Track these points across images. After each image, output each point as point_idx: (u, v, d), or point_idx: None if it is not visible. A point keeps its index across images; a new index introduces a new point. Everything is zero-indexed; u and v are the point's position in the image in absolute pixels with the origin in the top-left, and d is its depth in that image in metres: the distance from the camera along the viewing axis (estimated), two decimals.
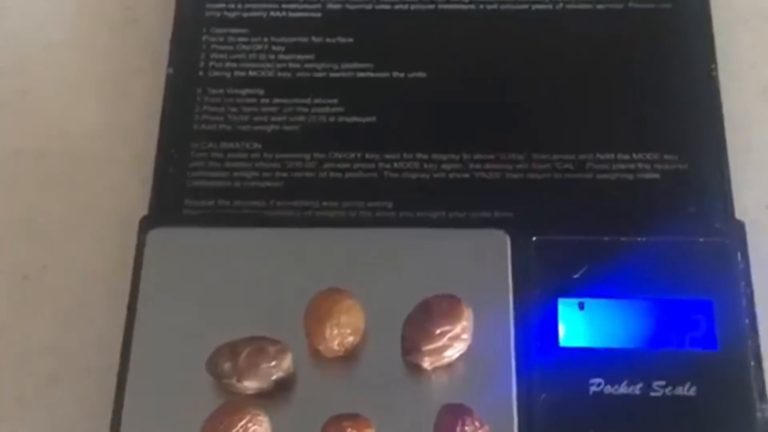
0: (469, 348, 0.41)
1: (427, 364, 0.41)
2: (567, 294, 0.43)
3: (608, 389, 0.41)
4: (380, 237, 0.45)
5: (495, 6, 0.51)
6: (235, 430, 0.39)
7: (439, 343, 0.41)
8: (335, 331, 0.41)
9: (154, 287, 0.43)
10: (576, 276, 0.43)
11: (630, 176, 0.47)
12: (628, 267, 0.43)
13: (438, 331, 0.41)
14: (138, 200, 0.48)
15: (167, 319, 0.43)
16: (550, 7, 0.50)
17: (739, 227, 0.44)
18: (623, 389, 0.41)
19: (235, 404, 0.40)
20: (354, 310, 0.41)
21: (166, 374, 0.42)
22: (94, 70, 0.52)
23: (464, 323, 0.41)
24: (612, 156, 0.47)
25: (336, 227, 0.45)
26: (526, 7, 0.51)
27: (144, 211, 0.47)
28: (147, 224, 0.45)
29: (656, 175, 0.46)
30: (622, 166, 0.47)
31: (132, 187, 0.48)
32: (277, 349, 0.41)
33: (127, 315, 0.43)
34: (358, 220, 0.46)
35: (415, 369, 0.41)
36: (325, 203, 0.47)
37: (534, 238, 0.44)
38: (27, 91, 0.51)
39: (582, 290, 0.43)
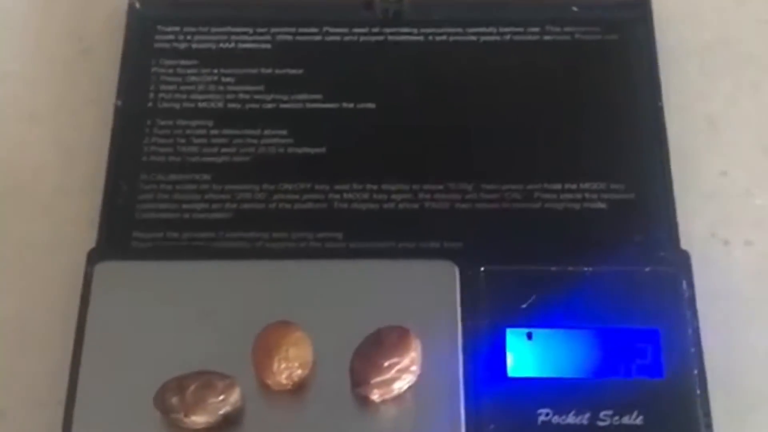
0: (418, 379, 0.41)
1: (376, 396, 0.41)
2: (515, 324, 0.43)
3: (556, 419, 0.41)
4: (330, 269, 0.45)
5: (444, 37, 0.51)
6: None
7: (388, 376, 0.41)
8: (283, 365, 0.41)
9: (101, 321, 0.43)
10: (524, 306, 0.43)
11: (577, 206, 0.47)
12: (576, 296, 0.44)
13: (386, 364, 0.41)
14: (87, 233, 0.47)
15: (115, 353, 0.42)
16: (498, 38, 0.51)
17: (685, 257, 0.45)
18: (571, 419, 0.41)
19: None
20: (302, 342, 0.41)
21: (114, 409, 0.41)
22: (46, 102, 0.52)
23: (413, 355, 0.41)
24: (560, 186, 0.47)
25: (286, 259, 0.45)
26: (474, 38, 0.51)
27: (93, 243, 0.46)
28: (94, 257, 0.45)
29: (603, 205, 0.47)
30: (570, 196, 0.47)
31: (81, 220, 0.48)
32: (226, 383, 0.40)
33: (74, 348, 0.43)
34: (307, 252, 0.46)
35: (364, 401, 0.41)
36: (275, 234, 0.47)
37: (482, 269, 0.44)
38: None
39: (530, 320, 0.43)
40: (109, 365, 0.42)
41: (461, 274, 0.44)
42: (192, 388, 0.40)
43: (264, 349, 0.41)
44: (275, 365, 0.41)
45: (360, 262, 0.45)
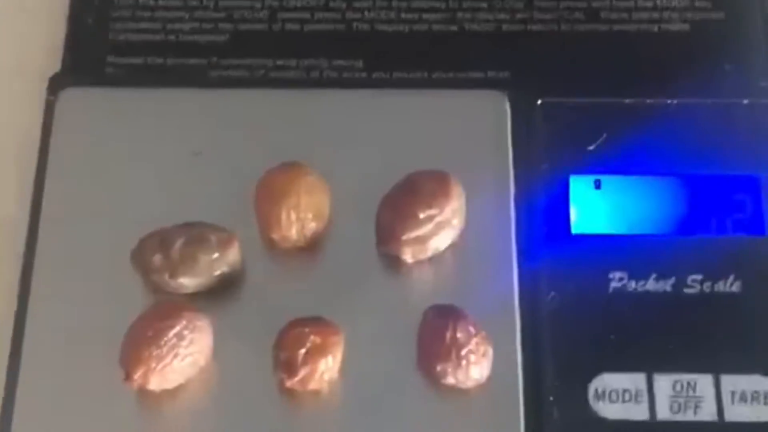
0: (461, 236, 0.33)
1: (408, 256, 0.33)
2: (580, 170, 0.35)
3: (632, 285, 0.34)
4: (350, 100, 0.37)
5: None
6: (166, 338, 0.31)
7: (424, 230, 0.33)
8: (293, 216, 0.33)
9: (65, 159, 0.35)
10: (591, 147, 0.36)
11: (654, 27, 0.39)
12: (655, 136, 0.35)
13: (422, 215, 0.33)
14: (50, 58, 0.39)
15: (82, 199, 0.35)
16: None
17: None
18: (651, 285, 0.34)
19: (167, 307, 0.32)
20: (317, 189, 0.33)
21: (81, 269, 0.34)
22: None
23: (454, 205, 0.33)
24: (632, 3, 0.39)
25: (293, 88, 0.37)
26: None
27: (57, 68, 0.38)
28: (58, 83, 0.37)
29: (685, 26, 0.39)
30: (645, 15, 0.39)
31: (43, 43, 0.40)
32: (221, 237, 0.33)
33: (34, 192, 0.35)
34: (321, 83, 0.38)
35: (394, 263, 0.33)
36: (280, 62, 0.39)
37: (539, 101, 0.37)
38: None
39: (599, 165, 0.35)
40: (75, 213, 0.34)
41: (513, 107, 0.36)
42: (179, 243, 0.32)
43: (269, 196, 0.33)
44: (283, 216, 0.33)
45: (388, 92, 0.37)
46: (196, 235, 0.32)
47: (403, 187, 0.33)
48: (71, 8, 0.39)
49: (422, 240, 0.33)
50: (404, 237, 0.33)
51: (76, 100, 0.36)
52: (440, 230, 0.33)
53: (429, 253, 0.33)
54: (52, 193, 0.35)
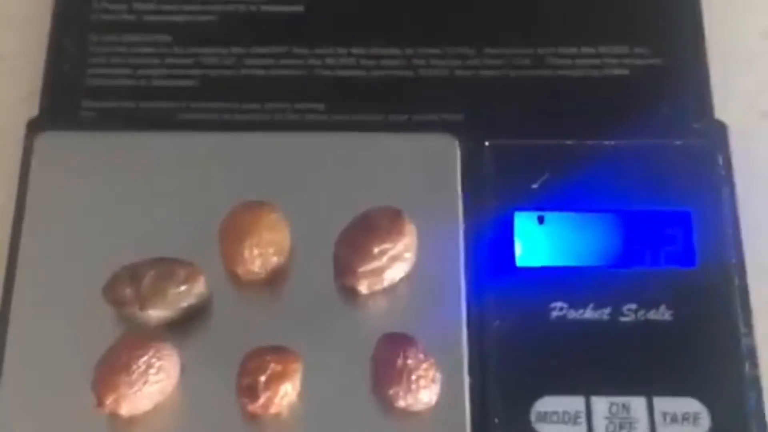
0: (413, 269, 0.36)
1: (364, 287, 0.35)
2: (525, 206, 0.38)
3: (572, 314, 0.36)
4: (310, 142, 0.39)
5: None
6: (135, 366, 0.33)
7: (378, 264, 0.35)
8: (255, 251, 0.35)
9: (43, 200, 0.37)
10: (535, 186, 0.38)
11: (595, 72, 0.41)
12: (594, 174, 0.38)
13: (377, 250, 0.35)
14: (27, 104, 0.41)
15: (58, 237, 0.37)
16: None
17: (720, 128, 0.39)
18: (589, 313, 0.36)
19: (137, 337, 0.34)
20: (278, 225, 0.35)
21: (57, 302, 0.36)
22: None
23: (407, 240, 0.35)
24: (575, 50, 0.42)
25: (257, 131, 0.39)
26: None
27: (34, 113, 0.40)
28: (36, 127, 0.39)
29: (625, 71, 0.41)
30: (587, 62, 0.41)
31: (20, 89, 0.41)
32: (188, 271, 0.35)
33: (12, 232, 0.37)
34: (284, 125, 0.40)
35: (350, 294, 0.36)
36: (245, 105, 0.41)
37: (487, 143, 0.39)
38: None
39: (541, 202, 0.38)
40: (51, 251, 0.36)
41: (462, 148, 0.39)
42: (148, 276, 0.34)
43: (233, 233, 0.35)
44: (246, 252, 0.35)
45: (345, 134, 0.39)
46: (165, 269, 0.34)
47: (359, 224, 0.36)
48: (48, 55, 0.41)
49: (377, 272, 0.35)
50: (360, 270, 0.35)
51: (52, 143, 0.38)
52: (393, 263, 0.35)
53: (384, 285, 0.35)
54: (29, 231, 0.36)
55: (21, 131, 0.39)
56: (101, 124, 0.39)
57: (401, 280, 0.36)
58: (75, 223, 0.37)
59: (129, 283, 0.34)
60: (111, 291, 0.34)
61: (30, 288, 0.36)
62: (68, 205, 0.37)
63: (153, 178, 0.37)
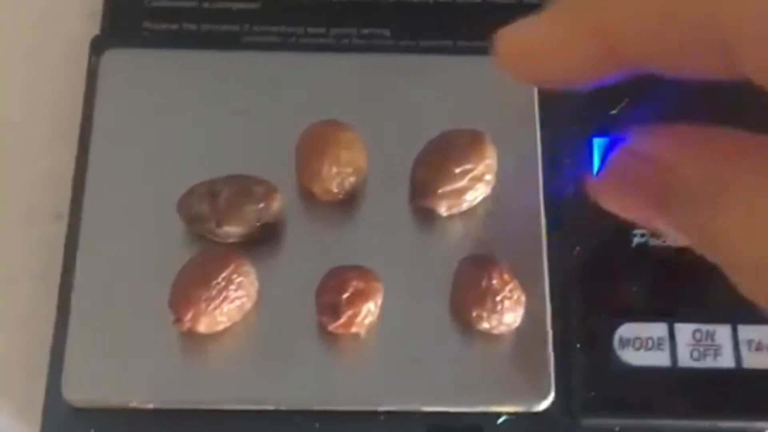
0: (492, 192, 0.35)
1: (443, 209, 0.34)
2: (603, 132, 0.36)
3: (653, 241, 0.35)
4: (384, 63, 0.38)
5: None
6: (215, 282, 0.32)
7: (459, 185, 0.34)
8: (334, 170, 0.34)
9: (110, 119, 0.36)
10: (614, 112, 0.37)
11: None
12: (671, 102, 0.37)
13: (458, 170, 0.34)
14: (86, 24, 0.40)
15: (128, 156, 0.36)
16: None
17: None
18: (671, 241, 0.35)
19: (216, 252, 0.33)
20: (356, 145, 0.34)
21: (129, 221, 0.35)
22: None
23: (488, 161, 0.34)
24: None
25: (326, 52, 0.38)
26: None
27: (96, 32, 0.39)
28: (100, 45, 0.38)
29: None
30: None
31: (79, 9, 0.41)
32: (265, 189, 0.34)
33: (78, 153, 0.36)
34: (349, 49, 0.39)
35: (428, 216, 0.35)
36: (310, 29, 0.40)
37: None
38: None
39: (620, 128, 0.36)
40: (121, 170, 0.35)
41: None
42: (225, 193, 0.33)
43: (311, 150, 0.34)
44: (324, 170, 0.34)
45: (420, 57, 0.38)
46: (241, 186, 0.34)
47: (438, 144, 0.35)
48: None
49: (457, 193, 0.34)
50: (440, 191, 0.34)
51: (118, 60, 0.37)
52: (474, 184, 0.34)
53: (463, 207, 0.35)
54: (98, 148, 0.35)
55: (83, 50, 0.38)
56: (164, 42, 0.38)
57: (480, 202, 0.35)
58: (144, 142, 0.36)
59: (205, 199, 0.33)
60: (186, 207, 0.34)
61: (100, 207, 0.35)
62: (137, 123, 0.36)
63: (224, 97, 0.36)
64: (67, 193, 0.36)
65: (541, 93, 0.37)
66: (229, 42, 0.39)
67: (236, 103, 0.36)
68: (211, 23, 0.40)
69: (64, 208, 0.36)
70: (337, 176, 0.34)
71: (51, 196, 0.37)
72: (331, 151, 0.34)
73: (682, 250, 0.35)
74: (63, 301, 0.34)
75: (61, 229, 0.35)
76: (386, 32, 0.40)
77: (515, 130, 0.36)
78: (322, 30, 0.40)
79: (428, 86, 0.37)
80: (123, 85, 0.37)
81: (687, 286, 0.35)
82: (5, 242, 0.37)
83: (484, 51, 0.38)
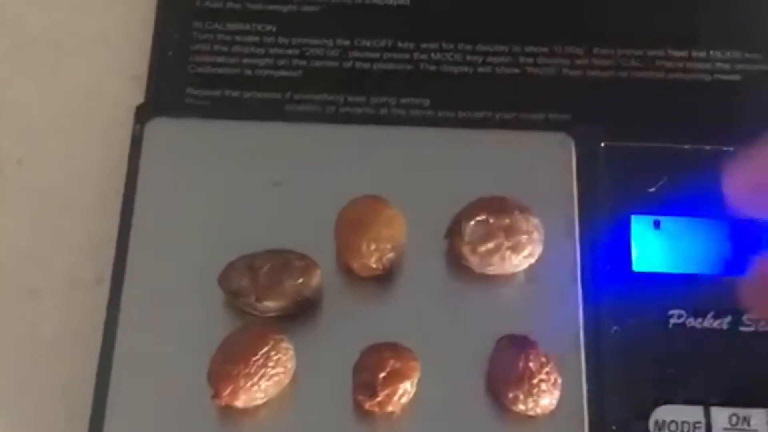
0: (531, 269, 0.35)
1: (474, 259, 0.35)
2: (641, 210, 0.37)
3: (690, 322, 0.35)
4: (421, 137, 0.38)
5: None
6: (254, 359, 0.32)
7: (500, 241, 0.34)
8: (372, 246, 0.34)
9: (154, 187, 0.37)
10: (652, 189, 0.37)
11: (707, 77, 0.40)
12: (712, 180, 0.37)
13: (492, 221, 0.35)
14: (130, 87, 0.41)
15: (170, 225, 0.36)
16: None
17: None
18: (708, 322, 0.35)
19: (255, 329, 0.33)
20: (396, 221, 0.35)
21: (169, 290, 0.35)
22: None
23: (535, 235, 0.35)
24: (686, 53, 0.41)
25: (366, 124, 0.39)
26: None
27: (137, 99, 0.39)
28: (145, 113, 0.38)
29: (737, 77, 0.40)
30: (698, 65, 0.41)
31: (123, 72, 0.41)
32: (304, 264, 0.34)
33: (122, 219, 0.37)
34: (389, 119, 0.40)
35: (467, 292, 0.35)
36: (350, 98, 0.40)
37: (602, 144, 0.38)
38: None
39: (659, 206, 0.37)
40: (164, 239, 0.36)
41: (577, 149, 0.37)
42: (265, 268, 0.34)
43: (350, 226, 0.35)
44: (363, 246, 0.34)
45: (457, 131, 0.38)
46: (281, 261, 0.34)
47: (488, 201, 0.35)
48: (154, 41, 0.41)
49: (495, 251, 0.34)
50: (479, 246, 0.34)
51: (162, 129, 0.37)
52: (516, 250, 0.35)
53: (494, 264, 0.35)
54: (141, 219, 0.36)
55: (127, 114, 0.39)
56: (207, 111, 0.39)
57: (518, 278, 0.35)
58: (188, 211, 0.36)
59: (246, 274, 0.34)
60: (227, 281, 0.34)
61: (142, 277, 0.35)
62: (180, 192, 0.37)
63: (265, 168, 0.37)
64: (109, 258, 0.36)
65: (579, 169, 0.37)
66: (271, 110, 0.40)
67: (277, 175, 0.37)
68: (252, 90, 0.40)
69: (107, 273, 0.36)
70: (375, 252, 0.34)
71: (94, 260, 0.38)
72: (371, 228, 0.34)
73: (718, 332, 0.35)
74: (103, 369, 0.34)
75: (104, 294, 0.36)
76: (426, 102, 0.40)
77: (554, 205, 0.36)
78: (363, 99, 0.40)
79: (467, 160, 0.37)
80: (167, 154, 0.37)
81: (723, 369, 0.35)
82: (48, 305, 0.38)
83: (521, 125, 0.39)
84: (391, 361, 0.32)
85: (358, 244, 0.34)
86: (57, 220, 0.39)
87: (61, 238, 0.38)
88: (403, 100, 0.40)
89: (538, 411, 0.33)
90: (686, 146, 0.38)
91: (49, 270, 0.38)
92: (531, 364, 0.33)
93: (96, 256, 0.37)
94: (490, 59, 0.41)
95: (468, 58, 0.41)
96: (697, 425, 0.34)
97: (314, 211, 0.36)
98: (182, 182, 0.37)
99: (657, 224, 0.37)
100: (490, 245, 0.35)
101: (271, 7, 0.42)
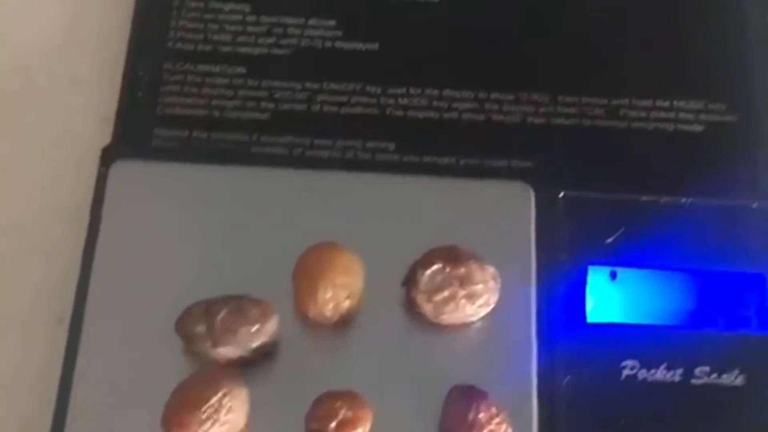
0: (485, 318, 0.35)
1: (429, 310, 0.35)
2: (598, 261, 0.37)
3: (643, 373, 0.35)
4: (383, 184, 0.39)
5: None
6: (206, 405, 0.33)
7: (450, 290, 0.35)
8: (329, 294, 0.35)
9: (116, 229, 0.37)
10: (609, 240, 0.37)
11: (670, 126, 0.41)
12: (668, 232, 0.37)
13: (448, 270, 0.35)
14: (99, 128, 0.41)
15: (131, 267, 0.36)
16: None
17: None
18: (660, 374, 0.35)
19: (209, 374, 0.34)
20: (353, 268, 0.35)
21: (128, 332, 0.36)
22: None
23: (490, 284, 0.35)
24: (650, 102, 0.41)
25: (330, 170, 0.39)
26: None
27: (106, 140, 0.40)
28: (110, 155, 0.39)
29: (700, 127, 0.41)
30: (662, 115, 0.41)
31: (93, 113, 0.42)
32: (261, 310, 0.35)
33: (83, 260, 0.37)
34: (355, 163, 0.40)
35: (421, 339, 0.35)
36: (317, 141, 0.41)
37: (561, 194, 0.38)
38: None
39: (615, 257, 0.37)
40: (123, 282, 0.36)
41: (537, 198, 0.38)
42: (222, 314, 0.34)
43: (307, 274, 0.35)
44: (320, 294, 0.35)
45: (420, 178, 0.39)
46: (238, 307, 0.34)
47: (444, 251, 0.35)
48: (123, 82, 0.41)
49: (450, 299, 0.35)
50: (434, 296, 0.35)
51: (127, 172, 0.38)
52: (471, 299, 0.35)
53: (447, 313, 0.35)
54: (101, 260, 0.36)
55: (94, 156, 0.39)
56: (172, 154, 0.39)
57: (472, 327, 0.35)
58: (149, 254, 0.37)
59: (202, 319, 0.34)
60: (183, 326, 0.34)
61: (100, 320, 0.36)
62: (142, 235, 0.37)
63: (227, 212, 0.37)
64: (70, 298, 0.37)
65: (538, 218, 0.38)
66: (238, 153, 0.40)
67: (239, 219, 0.37)
68: (220, 131, 0.41)
69: (67, 312, 0.37)
70: (331, 300, 0.35)
71: (54, 300, 0.38)
72: (327, 276, 0.35)
73: (670, 384, 0.35)
74: (59, 408, 0.35)
75: (63, 334, 0.36)
76: (391, 146, 0.41)
77: (512, 253, 0.37)
78: (329, 142, 0.41)
79: (428, 207, 0.38)
80: (130, 196, 0.38)
81: (674, 421, 0.35)
82: (7, 343, 0.38)
83: (484, 171, 0.40)
84: (343, 410, 0.33)
85: (314, 292, 0.35)
86: (20, 258, 0.39)
87: (24, 276, 0.39)
88: (369, 144, 0.41)
89: None
90: (645, 198, 0.38)
91: (10, 308, 0.38)
92: (481, 416, 0.33)
93: (58, 296, 0.38)
94: (456, 105, 0.41)
95: (435, 103, 0.41)
96: None
97: (275, 256, 0.36)
98: (144, 225, 0.37)
99: (613, 275, 0.37)
100: (445, 294, 0.35)
101: (242, 50, 0.42)
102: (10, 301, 0.38)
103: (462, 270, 0.35)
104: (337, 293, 0.35)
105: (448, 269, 0.35)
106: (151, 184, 0.38)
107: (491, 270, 0.35)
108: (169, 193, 0.38)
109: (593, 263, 0.37)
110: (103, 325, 0.36)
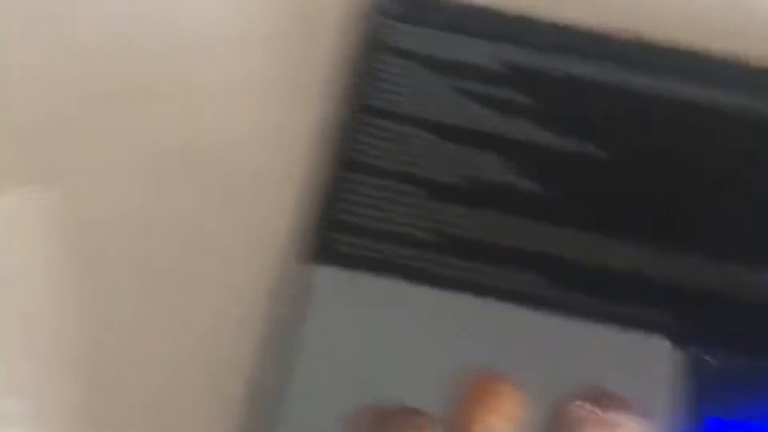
0: None
1: None
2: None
3: None
4: (542, 322, 0.42)
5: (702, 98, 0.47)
6: None
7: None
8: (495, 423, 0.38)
9: (321, 334, 0.41)
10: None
11: None
12: None
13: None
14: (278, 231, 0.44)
15: (329, 372, 0.40)
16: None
17: None
18: None
19: None
20: (514, 400, 0.38)
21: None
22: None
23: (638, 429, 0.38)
24: None
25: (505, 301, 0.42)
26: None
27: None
28: (311, 260, 0.42)
29: None
30: None
31: (276, 216, 0.45)
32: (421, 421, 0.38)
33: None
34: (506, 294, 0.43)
35: None
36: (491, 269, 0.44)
37: (707, 357, 0.41)
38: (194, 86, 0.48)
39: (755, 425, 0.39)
40: (323, 385, 0.40)
41: (683, 358, 0.40)
42: (391, 422, 0.38)
43: (467, 403, 0.38)
44: (478, 426, 0.38)
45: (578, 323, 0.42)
46: (407, 419, 0.38)
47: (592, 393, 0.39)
48: (320, 191, 0.45)
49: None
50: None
51: (329, 279, 0.42)
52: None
53: None
54: (305, 363, 0.40)
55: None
56: (359, 263, 0.43)
57: None
58: (343, 361, 0.40)
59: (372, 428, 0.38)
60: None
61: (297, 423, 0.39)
62: (341, 342, 0.40)
63: (410, 329, 0.41)
64: None
65: (679, 378, 0.40)
66: (413, 269, 0.43)
67: (421, 338, 0.41)
68: (397, 245, 0.44)
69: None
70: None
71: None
72: (490, 404, 0.38)
73: None
74: None
75: None
76: (543, 282, 0.44)
77: (647, 409, 0.39)
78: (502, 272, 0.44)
79: (584, 354, 0.41)
80: (333, 304, 0.41)
81: None
82: None
83: (627, 322, 0.42)
84: None
85: (471, 423, 0.38)
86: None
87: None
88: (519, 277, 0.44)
89: None
90: None
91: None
92: None
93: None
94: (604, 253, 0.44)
95: (590, 249, 0.44)
96: None
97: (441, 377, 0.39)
98: (344, 333, 0.41)
99: None
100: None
101: (424, 174, 0.46)
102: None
103: (610, 414, 0.38)
104: (496, 419, 0.38)
105: (596, 411, 0.38)
106: (352, 294, 0.41)
107: (638, 419, 0.38)
108: (365, 304, 0.41)
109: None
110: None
